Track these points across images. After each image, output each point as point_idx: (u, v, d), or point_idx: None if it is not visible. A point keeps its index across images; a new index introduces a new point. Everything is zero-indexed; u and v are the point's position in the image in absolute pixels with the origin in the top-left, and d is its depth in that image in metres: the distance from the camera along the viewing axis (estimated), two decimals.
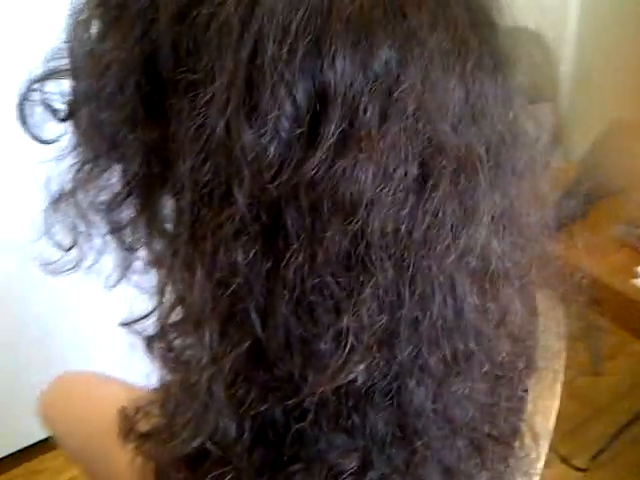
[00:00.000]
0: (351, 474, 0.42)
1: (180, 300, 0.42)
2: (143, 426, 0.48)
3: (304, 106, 0.36)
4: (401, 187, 0.37)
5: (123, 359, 0.50)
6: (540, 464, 0.59)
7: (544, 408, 0.60)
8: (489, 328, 0.44)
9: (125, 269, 0.46)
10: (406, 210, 0.37)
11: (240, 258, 0.37)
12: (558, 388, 0.63)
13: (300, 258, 0.37)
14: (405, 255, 0.38)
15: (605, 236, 1.41)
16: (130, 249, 0.45)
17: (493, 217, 0.41)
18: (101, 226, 0.44)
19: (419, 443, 0.43)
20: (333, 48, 0.35)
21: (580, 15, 2.03)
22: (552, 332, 0.65)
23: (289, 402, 0.41)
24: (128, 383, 1.12)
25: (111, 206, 0.43)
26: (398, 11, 0.36)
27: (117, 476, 0.97)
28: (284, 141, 0.36)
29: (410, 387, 0.41)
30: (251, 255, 0.38)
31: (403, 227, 0.38)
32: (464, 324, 0.42)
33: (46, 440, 1.65)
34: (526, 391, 0.52)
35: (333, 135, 0.35)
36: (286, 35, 0.35)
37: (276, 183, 0.36)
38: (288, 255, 0.37)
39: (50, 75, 0.43)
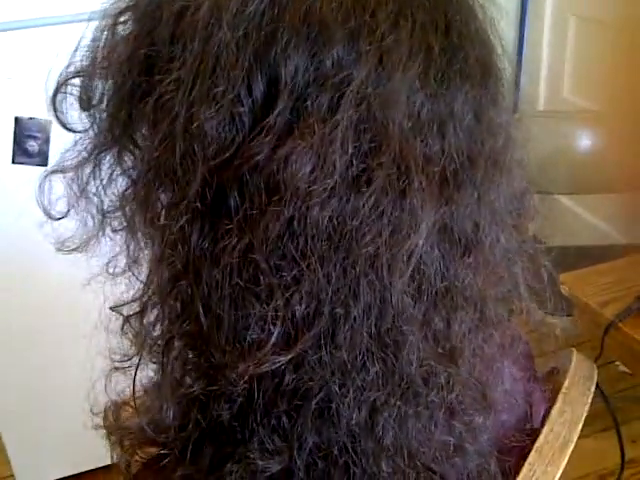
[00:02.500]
0: (274, 477, 0.42)
1: (142, 283, 0.44)
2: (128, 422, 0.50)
3: (256, 92, 0.38)
4: (337, 179, 0.38)
5: None
6: None
7: (543, 470, 0.57)
8: (435, 350, 0.42)
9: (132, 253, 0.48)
10: (340, 203, 0.38)
11: (185, 236, 0.39)
12: (565, 456, 0.59)
13: (236, 240, 0.38)
14: (336, 248, 0.38)
15: None
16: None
17: (440, 229, 0.40)
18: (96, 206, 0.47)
19: (344, 459, 0.42)
20: (286, 39, 0.37)
21: None
22: (570, 397, 0.61)
23: (220, 389, 0.41)
24: None
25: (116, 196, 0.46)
26: (358, 10, 0.37)
27: None
28: (235, 123, 0.38)
29: (337, 396, 0.41)
30: (195, 234, 0.39)
31: (336, 219, 0.38)
32: (399, 335, 0.41)
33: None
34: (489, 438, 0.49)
35: (278, 122, 0.37)
36: (241, 22, 0.37)
37: (223, 163, 0.38)
38: (227, 237, 0.38)
39: (77, 72, 0.47)
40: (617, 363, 1.77)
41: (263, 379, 0.41)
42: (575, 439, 0.61)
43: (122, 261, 0.48)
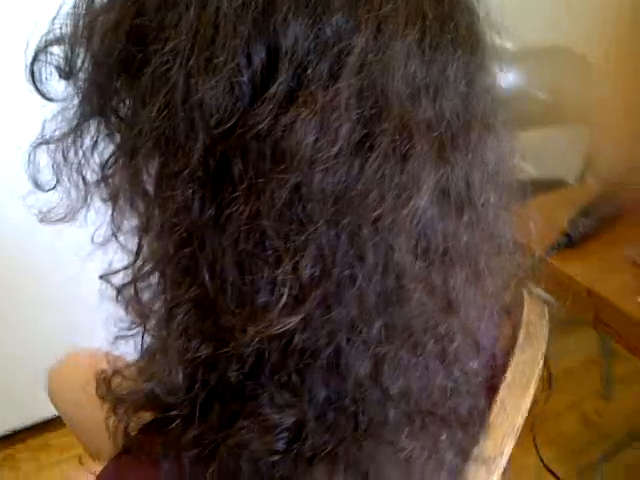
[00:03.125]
0: (285, 430, 0.43)
1: (141, 248, 0.44)
2: (121, 390, 0.50)
3: (256, 61, 0.38)
4: (341, 146, 0.38)
5: None
6: (503, 460, 0.60)
7: (513, 404, 0.61)
8: (433, 302, 0.44)
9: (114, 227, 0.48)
10: (345, 169, 0.39)
11: (188, 204, 0.40)
12: (531, 387, 0.64)
13: (242, 207, 0.39)
14: (342, 213, 0.40)
15: (617, 255, 1.40)
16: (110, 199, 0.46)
17: (439, 190, 0.42)
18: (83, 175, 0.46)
19: (353, 409, 0.44)
20: (286, 8, 0.37)
21: None
22: (529, 335, 0.66)
23: (230, 352, 0.42)
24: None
25: (103, 165, 0.46)
26: None
27: None
28: (236, 93, 0.38)
29: (346, 350, 0.43)
30: (199, 202, 0.40)
31: (341, 185, 0.39)
32: (403, 292, 0.43)
33: (52, 419, 1.68)
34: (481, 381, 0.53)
35: (280, 90, 0.38)
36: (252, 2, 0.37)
37: (225, 132, 0.38)
38: (232, 204, 0.39)
39: (57, 40, 0.46)
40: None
41: (273, 339, 0.42)
42: (537, 373, 0.66)
43: (107, 230, 0.48)
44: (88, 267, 0.53)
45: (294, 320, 0.41)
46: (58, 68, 0.46)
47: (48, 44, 0.45)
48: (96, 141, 0.45)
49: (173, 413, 0.45)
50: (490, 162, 0.45)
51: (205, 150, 0.39)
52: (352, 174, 0.39)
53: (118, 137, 0.44)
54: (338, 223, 0.40)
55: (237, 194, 0.39)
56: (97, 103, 0.44)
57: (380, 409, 0.45)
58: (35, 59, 0.45)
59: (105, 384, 0.51)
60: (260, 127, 0.38)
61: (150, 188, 0.42)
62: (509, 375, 0.63)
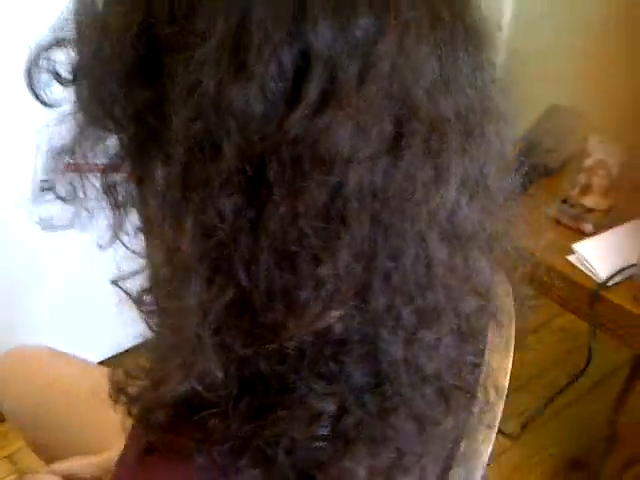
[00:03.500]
0: (329, 416, 0.45)
1: (170, 253, 0.44)
2: (131, 390, 0.50)
3: (288, 66, 0.39)
4: (376, 145, 0.40)
5: None
6: (497, 421, 0.63)
7: (500, 366, 0.65)
8: (457, 284, 0.47)
9: (117, 229, 0.48)
10: (381, 167, 0.40)
11: (226, 209, 0.40)
12: (512, 348, 0.68)
13: (281, 209, 0.40)
14: (380, 210, 0.41)
15: (541, 214, 1.48)
16: (121, 207, 0.46)
17: (462, 180, 0.44)
18: (95, 184, 0.46)
19: (391, 390, 0.47)
20: (316, 12, 0.38)
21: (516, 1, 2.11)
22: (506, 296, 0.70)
23: (270, 348, 0.43)
24: (78, 358, 1.13)
25: (107, 168, 0.45)
26: None
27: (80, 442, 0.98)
28: (269, 99, 0.39)
29: (383, 337, 0.45)
30: (236, 206, 0.40)
31: (378, 183, 0.41)
32: (434, 278, 0.45)
33: None
34: (485, 348, 0.57)
35: (314, 94, 0.38)
36: (283, 8, 0.38)
37: (260, 138, 0.39)
38: (270, 206, 0.40)
39: (57, 43, 0.44)
40: None
41: (313, 332, 0.43)
42: (513, 335, 0.70)
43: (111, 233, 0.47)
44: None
45: (335, 314, 0.42)
46: (57, 74, 0.45)
47: (48, 47, 0.44)
48: (103, 147, 0.44)
49: (211, 410, 0.45)
50: (499, 149, 0.48)
51: (241, 155, 0.39)
52: (388, 172, 0.41)
53: (136, 144, 0.43)
54: (376, 219, 0.41)
55: (275, 197, 0.40)
56: (107, 111, 0.43)
57: (416, 388, 0.47)
58: (33, 63, 0.44)
59: (118, 386, 0.51)
60: (296, 131, 0.39)
61: (180, 194, 0.41)
62: (490, 339, 0.67)
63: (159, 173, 0.42)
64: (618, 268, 1.31)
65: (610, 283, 1.31)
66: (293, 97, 0.39)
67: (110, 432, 0.87)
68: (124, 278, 0.48)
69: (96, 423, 0.99)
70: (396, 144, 0.41)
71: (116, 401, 0.51)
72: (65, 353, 1.14)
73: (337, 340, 0.44)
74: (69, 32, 0.44)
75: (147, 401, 0.49)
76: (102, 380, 0.52)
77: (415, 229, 0.43)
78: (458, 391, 0.50)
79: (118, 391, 0.51)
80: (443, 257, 0.45)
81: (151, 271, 0.47)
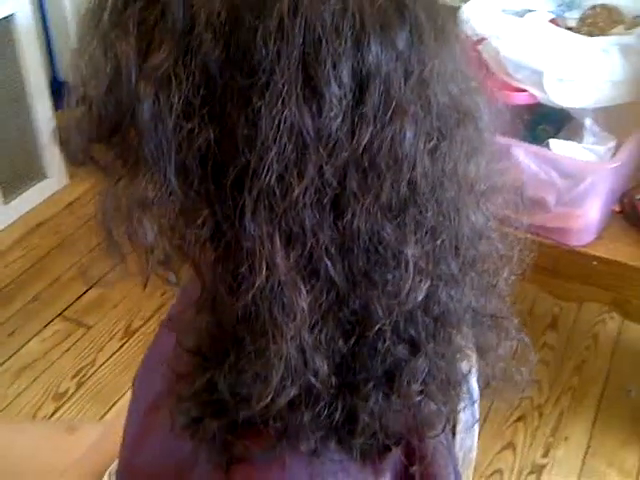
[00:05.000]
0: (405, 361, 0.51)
1: (269, 270, 0.46)
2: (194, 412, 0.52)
3: (353, 83, 0.43)
4: (431, 139, 0.46)
5: None
6: None
7: None
8: (495, 234, 0.56)
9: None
10: (439, 156, 0.47)
11: (312, 220, 0.45)
12: None
13: (364, 210, 0.45)
14: (442, 191, 0.48)
15: None
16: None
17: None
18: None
19: (453, 331, 0.54)
20: (368, 35, 0.43)
21: None
22: None
23: (369, 333, 0.48)
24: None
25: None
26: (404, 8, 0.45)
27: None
28: (340, 115, 0.43)
29: (443, 292, 0.51)
30: (322, 216, 0.45)
31: (439, 168, 0.47)
32: (479, 234, 0.53)
33: None
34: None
35: (376, 105, 0.44)
36: (336, 35, 0.43)
37: (335, 154, 0.43)
38: (353, 209, 0.45)
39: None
40: None
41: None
42: None
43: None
44: None
45: (425, 286, 0.48)
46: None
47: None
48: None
49: (320, 405, 0.48)
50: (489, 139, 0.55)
51: (322, 170, 0.44)
52: (444, 159, 0.48)
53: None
54: (440, 201, 0.48)
55: (357, 201, 0.45)
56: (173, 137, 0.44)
57: (477, 324, 0.56)
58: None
59: (191, 413, 0.52)
60: (367, 140, 0.44)
61: (269, 216, 0.44)
62: None
63: (247, 203, 0.44)
64: None
65: None
66: (359, 110, 0.43)
67: None
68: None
69: None
70: (444, 135, 0.47)
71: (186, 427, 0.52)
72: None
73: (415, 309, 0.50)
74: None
75: (236, 415, 0.50)
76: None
77: (462, 199, 0.50)
78: (506, 320, 0.59)
79: (193, 421, 0.52)
80: (483, 217, 0.53)
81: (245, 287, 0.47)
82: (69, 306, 2.00)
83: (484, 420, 1.58)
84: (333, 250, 0.46)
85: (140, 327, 1.94)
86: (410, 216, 0.47)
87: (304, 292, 0.46)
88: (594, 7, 1.51)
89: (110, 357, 1.86)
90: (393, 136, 0.44)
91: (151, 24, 0.44)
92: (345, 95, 0.43)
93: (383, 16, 0.44)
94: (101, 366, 1.84)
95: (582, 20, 1.51)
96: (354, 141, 0.44)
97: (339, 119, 0.43)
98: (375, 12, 0.44)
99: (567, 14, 1.59)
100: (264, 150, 0.43)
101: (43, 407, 1.74)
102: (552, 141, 1.29)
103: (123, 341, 1.90)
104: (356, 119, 0.44)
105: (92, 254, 2.08)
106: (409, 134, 0.45)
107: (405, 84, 0.45)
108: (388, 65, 0.44)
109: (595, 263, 1.27)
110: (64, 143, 0.50)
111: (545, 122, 1.41)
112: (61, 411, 1.73)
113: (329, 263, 0.46)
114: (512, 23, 1.40)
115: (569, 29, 1.47)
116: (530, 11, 1.53)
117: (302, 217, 0.44)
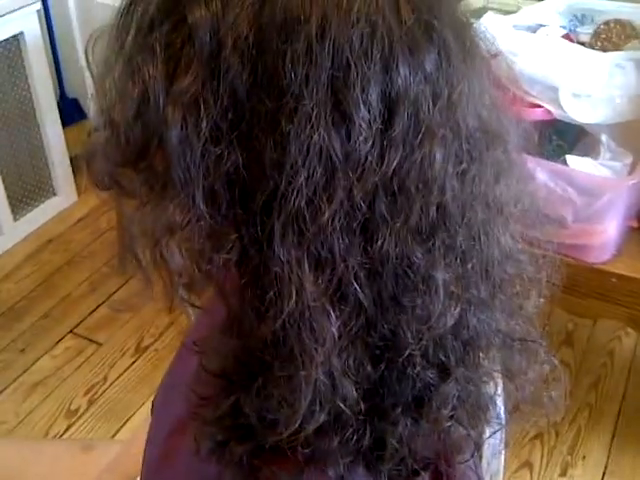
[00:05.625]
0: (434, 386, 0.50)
1: (293, 295, 0.45)
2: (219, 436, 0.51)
3: (381, 107, 0.43)
4: (461, 162, 0.46)
5: None
6: None
7: None
8: (524, 256, 0.56)
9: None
10: (468, 179, 0.47)
11: (341, 244, 0.44)
12: None
13: (394, 231, 0.44)
14: (472, 214, 0.47)
15: None
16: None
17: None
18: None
19: (482, 355, 0.53)
20: (397, 58, 0.43)
21: None
22: None
23: (400, 359, 0.47)
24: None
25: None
26: (432, 30, 0.45)
27: None
28: (369, 140, 0.43)
29: (472, 316, 0.50)
30: (351, 240, 0.44)
31: (469, 191, 0.47)
32: (508, 256, 0.53)
33: None
34: None
35: (405, 129, 0.43)
36: (365, 59, 0.42)
37: (364, 178, 0.43)
38: (382, 233, 0.44)
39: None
40: None
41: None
42: None
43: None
44: None
45: (456, 311, 0.47)
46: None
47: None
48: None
49: (349, 431, 0.47)
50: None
51: (349, 194, 0.43)
52: (473, 181, 0.47)
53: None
54: (469, 225, 0.47)
55: (386, 224, 0.44)
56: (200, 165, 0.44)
57: (497, 345, 0.54)
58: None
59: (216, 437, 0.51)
60: (396, 164, 0.43)
61: (297, 241, 0.44)
62: None
63: (276, 227, 0.44)
64: None
65: None
66: (388, 134, 0.43)
67: None
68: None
69: None
70: (473, 158, 0.47)
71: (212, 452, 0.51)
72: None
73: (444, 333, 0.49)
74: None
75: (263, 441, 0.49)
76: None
77: (492, 222, 0.49)
78: (537, 344, 0.58)
79: (218, 445, 0.51)
80: (512, 240, 0.52)
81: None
82: (80, 323, 1.99)
83: (506, 428, 1.56)
84: (362, 274, 0.45)
85: (151, 344, 1.93)
86: (440, 240, 0.46)
87: (333, 317, 0.45)
88: (607, 22, 1.50)
89: (121, 374, 1.85)
90: (422, 159, 0.44)
91: (178, 47, 0.44)
92: (374, 119, 0.42)
93: (411, 39, 0.43)
94: (112, 383, 1.83)
95: (595, 35, 1.51)
96: (383, 165, 0.43)
97: (368, 143, 0.42)
98: (403, 35, 0.43)
99: (579, 29, 1.58)
100: (293, 174, 0.42)
101: (55, 424, 1.73)
102: (569, 157, 1.28)
103: (134, 358, 1.89)
104: (385, 143, 0.43)
105: (102, 270, 2.09)
106: (438, 157, 0.44)
107: (434, 107, 0.44)
108: (417, 88, 0.43)
109: (614, 280, 1.25)
110: (89, 167, 0.49)
111: (559, 137, 1.40)
112: (73, 428, 1.72)
113: (358, 288, 0.45)
114: (525, 39, 1.39)
115: (582, 44, 1.46)
116: (542, 26, 1.53)
117: (331, 241, 0.44)
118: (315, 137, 0.42)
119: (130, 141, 0.45)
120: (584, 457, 1.62)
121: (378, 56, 0.42)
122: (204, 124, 0.43)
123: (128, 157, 0.46)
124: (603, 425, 1.68)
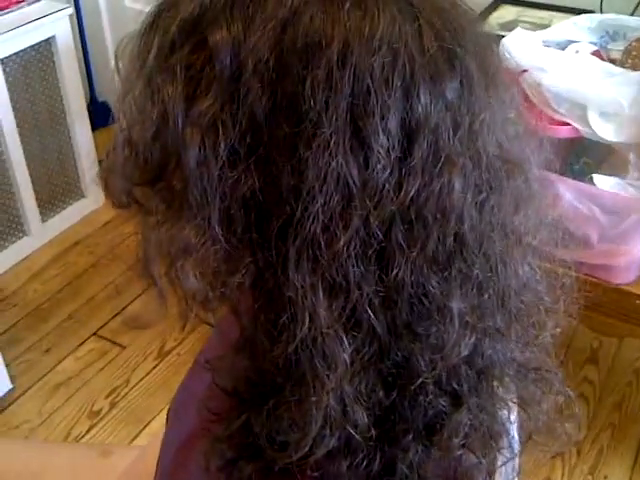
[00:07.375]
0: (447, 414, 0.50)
1: (307, 320, 0.45)
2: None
3: (401, 134, 0.43)
4: (480, 191, 0.46)
5: None
6: None
7: None
8: (541, 286, 0.55)
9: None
10: (487, 209, 0.46)
11: (355, 271, 0.44)
12: None
13: (410, 260, 0.44)
14: (489, 244, 0.47)
15: None
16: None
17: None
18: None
19: (496, 384, 0.52)
20: (418, 85, 0.42)
21: None
22: None
23: (409, 383, 0.47)
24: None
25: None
26: (454, 58, 0.44)
27: None
28: (388, 168, 0.42)
29: (487, 346, 0.50)
30: (365, 267, 0.44)
31: (487, 221, 0.46)
32: (525, 286, 0.52)
33: None
34: None
35: (424, 157, 0.43)
36: (385, 87, 0.42)
37: (386, 205, 0.43)
38: (398, 262, 0.44)
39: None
40: None
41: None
42: None
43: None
44: None
45: (469, 342, 0.47)
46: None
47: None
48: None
49: (360, 456, 0.48)
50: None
51: (365, 222, 0.43)
52: (491, 211, 0.47)
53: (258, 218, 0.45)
54: (487, 255, 0.47)
55: (402, 253, 0.44)
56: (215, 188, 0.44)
57: (511, 374, 0.54)
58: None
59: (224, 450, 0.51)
60: (414, 192, 0.43)
61: (312, 267, 0.44)
62: None
63: (291, 252, 0.44)
64: None
65: None
66: (406, 162, 0.43)
67: None
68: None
69: None
70: (492, 188, 0.46)
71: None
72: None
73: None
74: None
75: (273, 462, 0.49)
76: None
77: (510, 253, 0.49)
78: (550, 374, 0.57)
79: (228, 462, 0.51)
80: (529, 268, 0.52)
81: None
82: (104, 325, 2.01)
83: (519, 456, 1.54)
84: (377, 302, 0.45)
85: (174, 348, 1.94)
86: (456, 269, 0.46)
87: (346, 343, 0.45)
88: (639, 39, 1.48)
89: (143, 377, 1.87)
90: (441, 188, 0.43)
91: (198, 69, 0.44)
92: (393, 147, 0.42)
93: (433, 67, 0.43)
94: (134, 386, 1.85)
95: (627, 52, 1.49)
96: (401, 193, 0.43)
97: (387, 171, 0.42)
98: (425, 63, 0.43)
99: (610, 45, 1.56)
100: (309, 200, 0.42)
101: (77, 425, 1.75)
102: (596, 176, 1.26)
103: (157, 362, 1.91)
104: (404, 171, 0.43)
105: (127, 274, 2.11)
106: (457, 186, 0.44)
107: (454, 135, 0.44)
108: (437, 116, 0.43)
109: (639, 302, 1.23)
110: (107, 185, 0.50)
111: (587, 156, 1.38)
112: (95, 429, 1.74)
113: (372, 315, 0.45)
114: (554, 55, 1.38)
115: (612, 61, 1.45)
116: (572, 42, 1.51)
117: (346, 268, 0.43)
118: (333, 164, 0.42)
119: (148, 161, 0.46)
120: (605, 477, 1.59)
121: (399, 84, 0.42)
122: (222, 147, 0.43)
123: (146, 177, 0.47)
124: (626, 445, 1.65)
